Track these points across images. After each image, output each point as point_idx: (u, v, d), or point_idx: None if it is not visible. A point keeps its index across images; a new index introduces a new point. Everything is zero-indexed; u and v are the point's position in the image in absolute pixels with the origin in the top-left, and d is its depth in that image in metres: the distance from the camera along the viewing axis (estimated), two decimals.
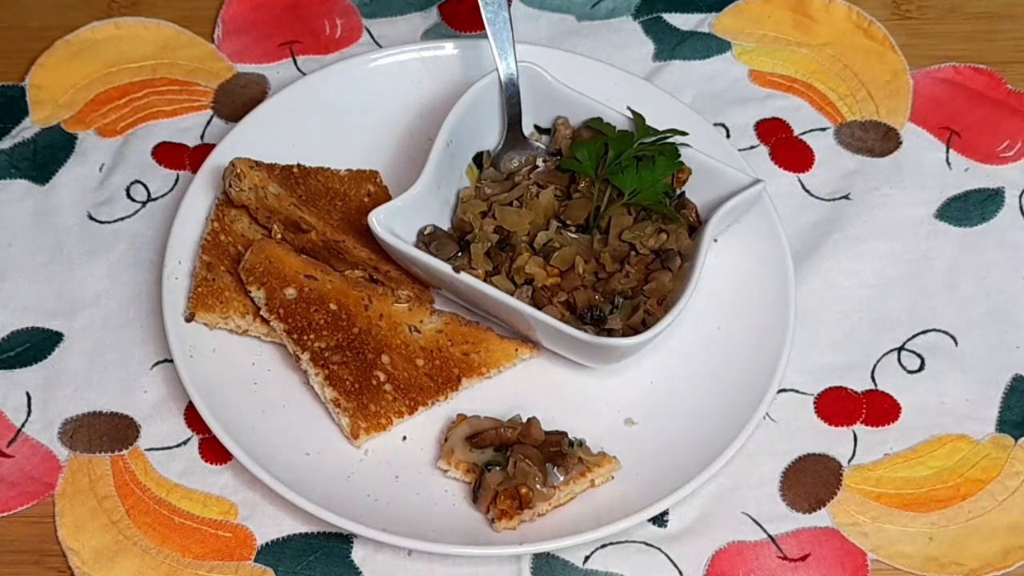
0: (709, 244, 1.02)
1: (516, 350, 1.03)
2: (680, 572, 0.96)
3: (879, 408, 1.03)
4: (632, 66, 1.18)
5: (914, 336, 1.07)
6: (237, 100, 1.18)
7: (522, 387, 1.02)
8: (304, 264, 1.02)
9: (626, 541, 0.97)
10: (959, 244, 1.11)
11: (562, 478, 0.96)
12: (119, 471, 0.99)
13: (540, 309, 0.99)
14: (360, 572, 0.96)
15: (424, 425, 1.00)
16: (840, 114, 1.18)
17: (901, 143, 1.17)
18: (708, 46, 1.22)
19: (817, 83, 1.20)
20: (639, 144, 1.05)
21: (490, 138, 1.10)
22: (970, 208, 1.13)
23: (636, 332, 0.98)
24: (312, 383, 0.99)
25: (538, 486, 0.95)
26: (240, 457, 0.95)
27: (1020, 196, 1.14)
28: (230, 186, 1.05)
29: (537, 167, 1.09)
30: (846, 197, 1.14)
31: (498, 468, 0.95)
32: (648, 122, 1.06)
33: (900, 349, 1.06)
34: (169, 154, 1.14)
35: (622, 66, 1.16)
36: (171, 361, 1.00)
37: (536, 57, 1.10)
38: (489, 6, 1.07)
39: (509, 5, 1.08)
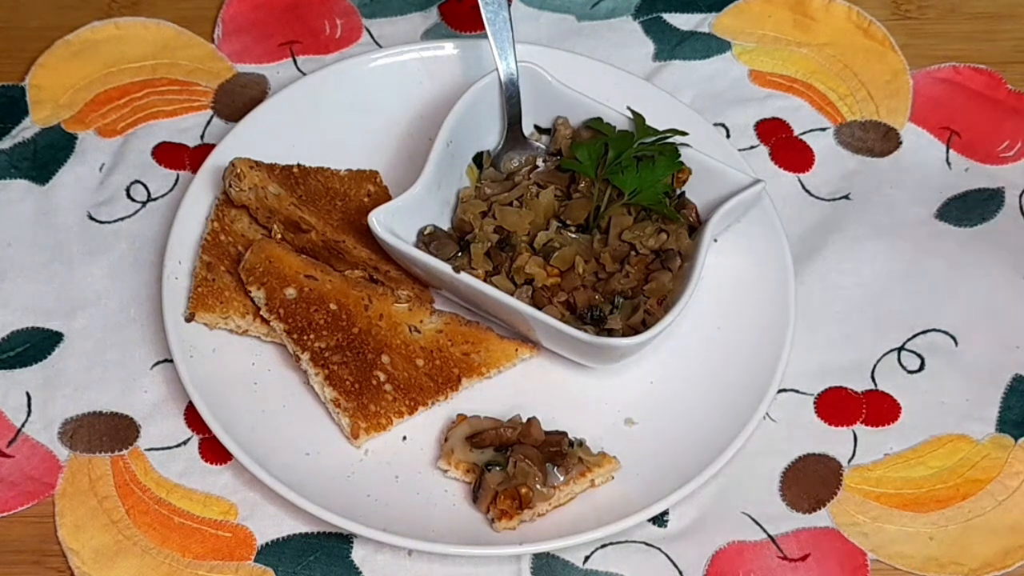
0: (709, 244, 1.02)
1: (516, 350, 1.03)
2: (680, 572, 0.96)
3: (879, 408, 1.03)
4: (632, 66, 1.18)
5: (914, 336, 1.07)
6: (237, 100, 1.18)
7: (522, 387, 1.02)
8: (304, 264, 1.02)
9: (626, 541, 0.97)
10: (959, 244, 1.11)
11: (562, 478, 0.96)
12: (119, 471, 0.99)
13: (540, 309, 0.99)
14: (360, 572, 0.96)
15: (424, 425, 1.00)
16: (840, 114, 1.18)
17: (901, 143, 1.17)
18: (708, 46, 1.22)
19: (817, 83, 1.20)
20: (639, 144, 1.05)
21: (490, 138, 1.10)
22: (970, 208, 1.13)
23: (636, 332, 0.98)
24: (312, 383, 0.99)
25: (538, 486, 0.95)
26: (240, 457, 0.95)
27: (1020, 196, 1.14)
28: (230, 186, 1.05)
29: (537, 167, 1.09)
30: (846, 197, 1.14)
31: (498, 468, 0.95)
32: (648, 122, 1.06)
33: (900, 349, 1.06)
34: (169, 154, 1.14)
35: (622, 66, 1.16)
36: (171, 361, 1.00)
37: (536, 57, 1.10)
38: (489, 6, 1.07)
39: (509, 5, 1.08)
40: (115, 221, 1.11)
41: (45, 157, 1.14)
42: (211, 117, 1.17)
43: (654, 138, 1.05)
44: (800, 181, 1.15)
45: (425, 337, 1.02)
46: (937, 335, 1.07)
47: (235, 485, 0.99)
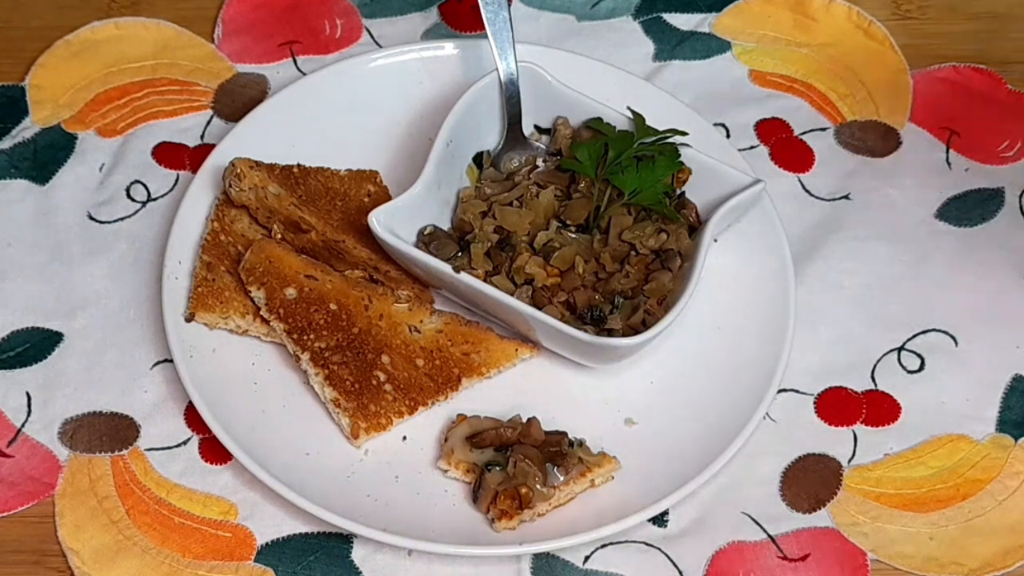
0: (709, 244, 1.02)
1: (516, 350, 1.03)
2: (680, 572, 0.96)
3: (879, 408, 1.03)
4: (632, 66, 1.18)
5: (914, 336, 1.07)
6: (237, 100, 1.18)
7: (522, 387, 1.02)
8: (304, 264, 1.02)
9: (626, 541, 0.97)
10: (959, 244, 1.11)
11: (562, 478, 0.96)
12: (119, 471, 0.99)
13: (540, 309, 0.99)
14: (360, 572, 0.96)
15: (424, 425, 1.00)
16: (840, 114, 1.18)
17: (901, 143, 1.17)
18: (708, 46, 1.22)
19: (817, 83, 1.20)
20: (639, 144, 1.05)
21: (490, 138, 1.10)
22: (970, 208, 1.13)
23: (636, 332, 0.98)
24: (312, 383, 0.99)
25: (538, 486, 0.95)
26: (240, 457, 0.95)
27: (1020, 196, 1.14)
28: (230, 186, 1.05)
29: (537, 167, 1.09)
30: (846, 197, 1.14)
31: (498, 468, 0.95)
32: (648, 122, 1.06)
33: (900, 349, 1.06)
34: (169, 154, 1.14)
35: (622, 66, 1.16)
36: (171, 361, 1.00)
37: (536, 57, 1.10)
38: (489, 6, 1.07)
39: (509, 5, 1.08)
40: (115, 221, 1.11)
41: (45, 157, 1.14)
42: (211, 117, 1.17)
43: (654, 138, 1.05)
44: (800, 181, 1.15)
45: (425, 337, 1.02)
46: (937, 335, 1.07)
47: (235, 485, 0.99)
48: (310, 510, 0.94)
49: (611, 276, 1.02)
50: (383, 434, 0.99)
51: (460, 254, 1.03)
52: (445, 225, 1.06)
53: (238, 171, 1.05)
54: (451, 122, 1.05)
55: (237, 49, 1.21)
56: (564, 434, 0.98)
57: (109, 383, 1.03)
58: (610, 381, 1.03)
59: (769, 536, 0.98)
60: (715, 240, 1.06)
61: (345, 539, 0.97)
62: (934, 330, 1.07)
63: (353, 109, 1.13)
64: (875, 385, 1.04)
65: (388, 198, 1.09)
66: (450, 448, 0.97)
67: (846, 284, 1.09)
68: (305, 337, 0.99)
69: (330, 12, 1.24)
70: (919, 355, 1.06)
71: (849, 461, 1.01)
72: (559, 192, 1.06)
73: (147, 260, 1.08)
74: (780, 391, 1.03)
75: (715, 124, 1.15)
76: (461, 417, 0.99)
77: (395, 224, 1.02)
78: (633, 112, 1.07)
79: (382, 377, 0.99)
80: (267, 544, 0.97)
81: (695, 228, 1.05)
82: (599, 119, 1.07)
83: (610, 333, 0.99)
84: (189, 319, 1.01)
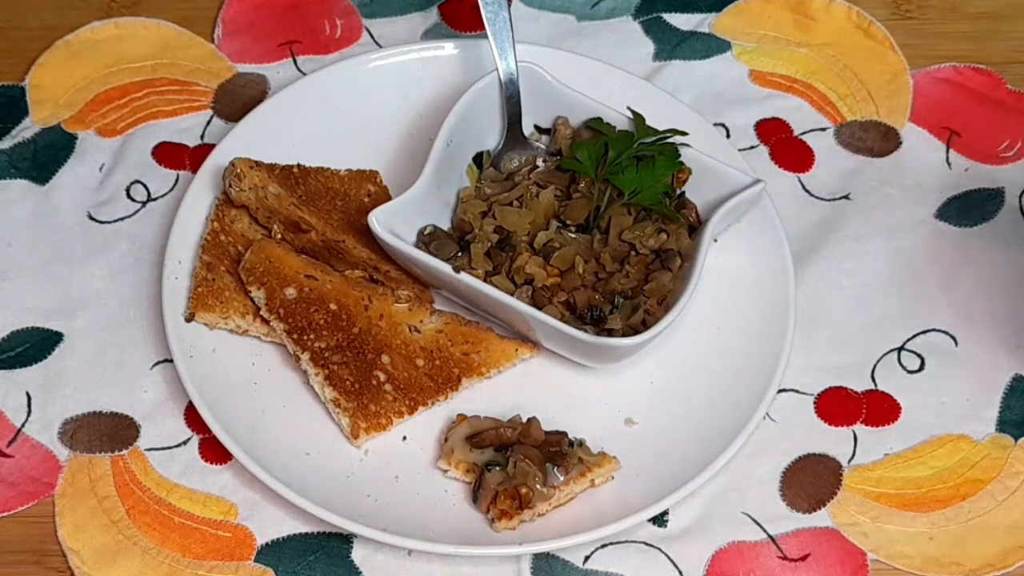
0: (709, 244, 1.02)
1: (516, 350, 1.03)
2: (680, 572, 0.96)
3: (879, 408, 1.03)
4: (632, 66, 1.18)
5: (914, 336, 1.07)
6: (237, 100, 1.17)
7: (522, 387, 1.02)
8: (304, 264, 1.02)
9: (626, 541, 0.97)
10: (959, 244, 1.11)
11: (562, 478, 0.96)
12: (119, 471, 0.99)
13: (540, 309, 0.99)
14: (360, 572, 0.96)
15: (424, 425, 1.00)
16: (840, 114, 1.18)
17: (901, 143, 1.17)
18: (708, 46, 1.22)
19: (817, 83, 1.20)
20: (639, 144, 1.05)
21: (490, 138, 1.10)
22: (970, 208, 1.13)
23: (636, 332, 0.98)
24: (312, 383, 0.99)
25: (538, 486, 0.95)
26: (240, 457, 0.95)
27: (1020, 196, 1.14)
28: (230, 186, 1.05)
29: (537, 167, 1.09)
30: (846, 197, 1.14)
31: (498, 468, 0.95)
32: (648, 122, 1.06)
33: (900, 349, 1.06)
34: (169, 154, 1.14)
35: (622, 66, 1.16)
36: (171, 361, 1.00)
37: (536, 57, 1.10)
38: (489, 6, 1.07)
39: (509, 5, 1.08)
40: (115, 221, 1.11)
41: (45, 157, 1.14)
42: (211, 117, 1.17)
43: (654, 138, 1.05)
44: (800, 181, 1.15)
45: (425, 337, 1.02)
46: (937, 335, 1.07)
47: (235, 485, 0.99)
48: (310, 510, 0.94)
49: (611, 276, 1.02)
50: (383, 434, 0.99)
51: (460, 254, 1.03)
52: (445, 225, 1.06)
53: (238, 171, 1.05)
54: (451, 122, 1.05)
55: (237, 49, 1.21)
56: (564, 434, 0.98)
57: (109, 383, 1.03)
58: (610, 381, 1.03)
59: (769, 536, 0.98)
60: (715, 240, 1.06)
61: (345, 539, 0.97)
62: (934, 330, 1.07)
63: (353, 109, 1.13)
64: (875, 385, 1.04)
65: (388, 198, 1.09)
66: (450, 448, 0.97)
67: (846, 284, 1.09)
68: (305, 337, 0.99)
69: (330, 12, 1.24)
70: (919, 355, 1.06)
71: (849, 461, 1.01)
72: (559, 192, 1.06)
73: (147, 260, 1.08)
74: (780, 391, 1.03)
75: (715, 124, 1.15)
76: (461, 417, 0.99)
77: (395, 224, 1.02)
78: (633, 112, 1.07)
79: (382, 377, 0.99)
80: (267, 544, 0.97)
81: (695, 228, 1.05)
82: (599, 119, 1.07)
83: (610, 333, 0.99)
84: (189, 319, 1.01)
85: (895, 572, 0.97)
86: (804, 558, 0.97)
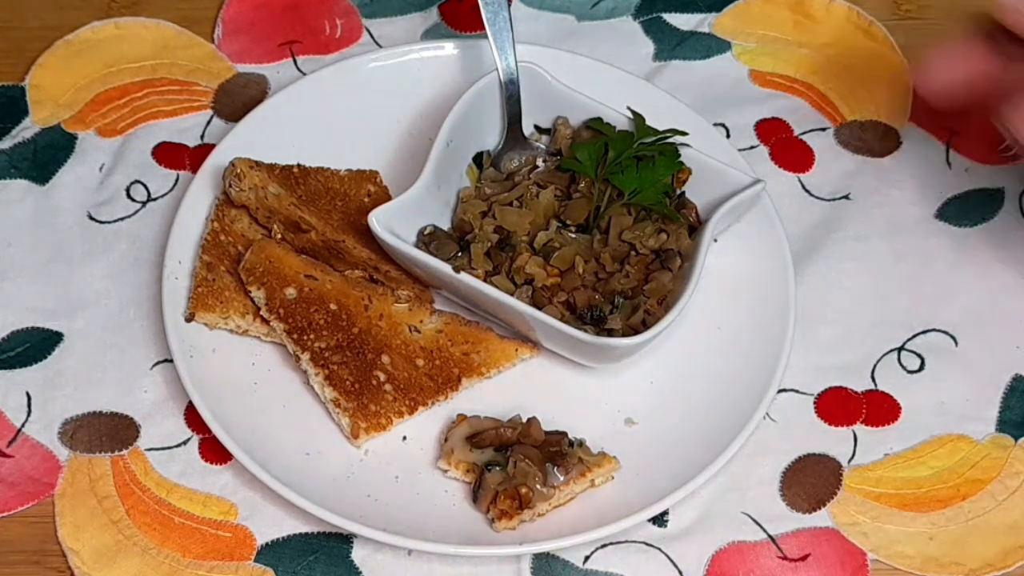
0: (709, 244, 1.02)
1: (516, 350, 1.03)
2: (680, 572, 0.96)
3: (879, 408, 1.03)
4: (632, 66, 1.18)
5: (914, 336, 1.07)
6: (237, 100, 1.18)
7: (522, 387, 1.02)
8: (304, 264, 1.02)
9: (626, 541, 0.97)
10: (959, 244, 1.11)
11: (562, 478, 0.96)
12: (119, 471, 0.99)
13: (540, 309, 0.99)
14: (360, 572, 0.96)
15: (424, 425, 1.00)
16: (840, 114, 1.18)
17: (901, 143, 1.17)
18: (708, 46, 1.22)
19: (817, 83, 1.20)
20: (639, 144, 1.05)
21: (490, 138, 1.10)
22: (970, 208, 1.13)
23: (636, 332, 0.98)
24: (312, 383, 0.99)
25: (538, 486, 0.95)
26: (240, 457, 0.95)
27: (1020, 196, 1.14)
28: (230, 186, 1.05)
29: (537, 167, 1.09)
30: (846, 197, 1.14)
31: (498, 468, 0.95)
32: (648, 122, 1.06)
33: (900, 349, 1.06)
34: (169, 154, 1.14)
35: (622, 66, 1.16)
36: (171, 361, 1.00)
37: (536, 57, 1.10)
38: (489, 6, 1.07)
39: (509, 5, 1.08)
40: (115, 221, 1.11)
41: (45, 157, 1.14)
42: (211, 117, 1.17)
43: (654, 138, 1.05)
44: (800, 181, 1.15)
45: (425, 337, 1.02)
46: (937, 335, 1.07)
47: (235, 485, 0.99)
48: (310, 510, 0.94)
49: (611, 276, 1.02)
50: (383, 434, 0.99)
51: (460, 254, 1.03)
52: (445, 225, 1.06)
53: (238, 171, 1.05)
54: (451, 122, 1.05)
55: (237, 49, 1.21)
56: (564, 434, 0.98)
57: (109, 383, 1.03)
58: (610, 381, 1.03)
59: (769, 536, 0.98)
60: (715, 240, 1.06)
61: (345, 539, 0.97)
62: (934, 330, 1.07)
63: (353, 109, 1.13)
64: (875, 385, 1.04)
65: (388, 198, 1.09)
66: (450, 448, 0.97)
67: (846, 284, 1.09)
68: (305, 337, 0.99)
69: (330, 12, 1.24)
70: (919, 355, 1.06)
71: (849, 461, 1.01)
72: (559, 192, 1.06)
73: (147, 260, 1.08)
74: (780, 391, 1.03)
75: (715, 124, 1.15)
76: (461, 417, 0.99)
77: (395, 224, 1.02)
78: (633, 112, 1.07)
79: (382, 377, 0.99)
80: (267, 544, 0.97)
81: (695, 228, 1.05)
82: (599, 119, 1.07)
83: (610, 333, 0.99)
84: (189, 319, 1.01)
85: (895, 572, 0.97)
86: (804, 558, 0.97)
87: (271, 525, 0.97)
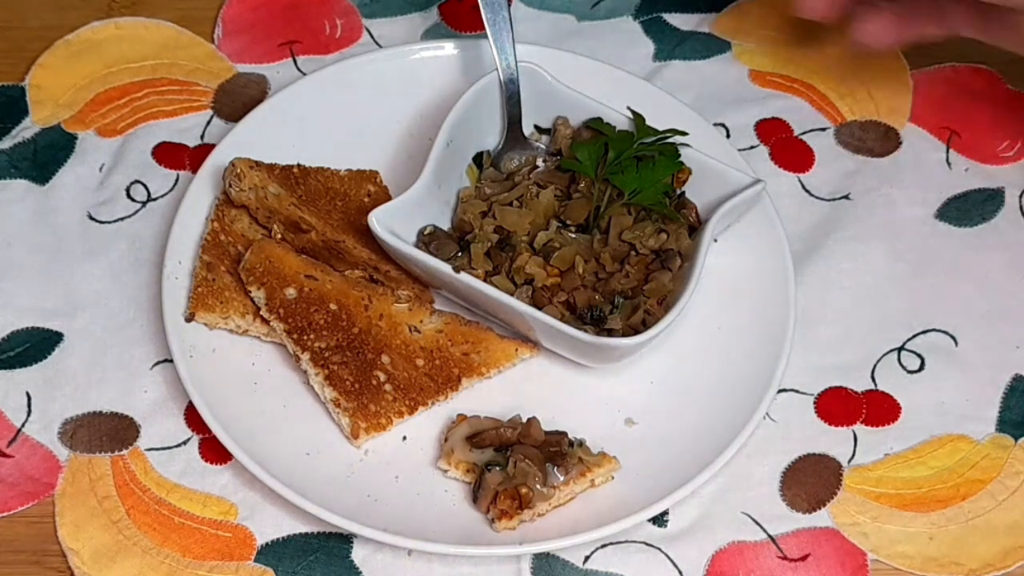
0: (709, 244, 1.02)
1: (516, 350, 1.03)
2: (680, 572, 0.96)
3: (879, 408, 1.03)
4: (632, 66, 1.18)
5: (914, 336, 1.07)
6: (237, 100, 1.18)
7: (522, 387, 1.02)
8: (304, 264, 1.02)
9: (626, 541, 0.97)
10: (959, 244, 1.11)
11: (562, 478, 0.96)
12: (119, 471, 0.99)
13: (540, 309, 0.99)
14: (360, 572, 0.96)
15: (424, 425, 1.00)
16: (840, 114, 1.18)
17: (901, 143, 1.17)
18: (708, 46, 1.22)
19: (817, 83, 1.20)
20: (639, 144, 1.05)
21: (490, 138, 1.10)
22: (970, 208, 1.13)
23: (636, 332, 0.98)
24: (312, 383, 0.99)
25: (538, 486, 0.95)
26: (240, 457, 0.95)
27: (1020, 196, 1.14)
28: (230, 186, 1.05)
29: (537, 167, 1.09)
30: (846, 197, 1.14)
31: (498, 468, 0.95)
32: (648, 122, 1.06)
33: (900, 349, 1.06)
34: (169, 154, 1.14)
35: (622, 66, 1.16)
36: (171, 361, 1.00)
37: (536, 57, 1.10)
38: (489, 6, 1.07)
39: (509, 5, 1.08)
40: (115, 221, 1.11)
41: (45, 157, 1.14)
42: (211, 117, 1.17)
43: (654, 138, 1.05)
44: (800, 181, 1.15)
45: (425, 337, 1.02)
46: (937, 335, 1.07)
47: (235, 485, 0.99)
48: (310, 510, 0.94)
49: (611, 276, 1.02)
50: (383, 434, 0.99)
51: (460, 254, 1.03)
52: (445, 225, 1.06)
53: (238, 171, 1.05)
54: (451, 122, 1.05)
55: (237, 49, 1.21)
56: (564, 434, 0.98)
57: (109, 383, 1.03)
58: (610, 381, 1.03)
59: (769, 536, 0.98)
60: (715, 240, 1.06)
61: (345, 539, 0.97)
62: (934, 330, 1.07)
63: (353, 109, 1.13)
64: (875, 385, 1.04)
65: (388, 198, 1.09)
66: (450, 448, 0.97)
67: (846, 284, 1.09)
68: (305, 337, 0.99)
69: (330, 12, 1.24)
70: (919, 355, 1.06)
71: (849, 461, 1.01)
72: (559, 192, 1.06)
73: (147, 260, 1.08)
74: (780, 391, 1.03)
75: (715, 124, 1.15)
76: (461, 417, 0.99)
77: (395, 224, 1.02)
78: (633, 112, 1.07)
79: (382, 377, 0.99)
80: (267, 544, 0.97)
81: (695, 228, 1.05)
82: (599, 119, 1.07)
83: (610, 333, 0.99)
84: (189, 319, 1.01)
85: (895, 572, 0.97)
86: (804, 558, 0.97)
87: (271, 525, 0.97)
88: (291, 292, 1.01)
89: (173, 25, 1.22)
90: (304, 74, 1.18)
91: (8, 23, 1.22)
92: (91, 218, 1.11)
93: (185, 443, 1.00)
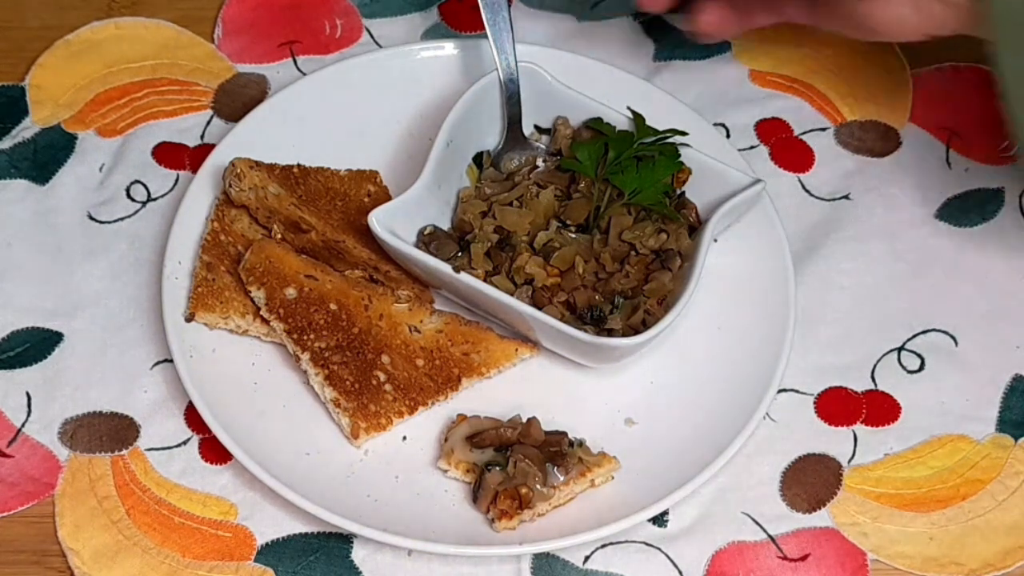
0: (709, 244, 1.02)
1: (516, 350, 1.03)
2: (680, 572, 0.96)
3: (879, 408, 1.03)
4: (632, 66, 1.18)
5: (914, 336, 1.07)
6: (237, 100, 1.17)
7: (522, 387, 1.02)
8: (304, 264, 1.02)
9: (626, 541, 0.97)
10: (959, 244, 1.11)
11: (562, 478, 0.96)
12: (119, 471, 0.99)
13: (540, 309, 0.99)
14: (360, 572, 0.96)
15: (424, 425, 1.00)
16: (840, 114, 1.18)
17: (901, 143, 1.17)
18: (708, 46, 1.22)
19: (817, 83, 1.20)
20: (639, 144, 1.05)
21: (490, 138, 1.10)
22: (970, 208, 1.13)
23: (636, 332, 0.98)
24: (312, 383, 0.99)
25: (538, 486, 0.95)
26: (240, 457, 0.95)
27: (1020, 196, 1.14)
28: (230, 186, 1.05)
29: (537, 167, 1.09)
30: (846, 197, 1.14)
31: (498, 468, 0.95)
32: (648, 122, 1.06)
33: (900, 349, 1.06)
34: (169, 154, 1.14)
35: (622, 66, 1.16)
36: (171, 361, 1.00)
37: (536, 57, 1.10)
38: (489, 6, 1.07)
39: (509, 5, 1.08)
40: (115, 221, 1.11)
41: (45, 157, 1.14)
42: (211, 117, 1.17)
43: (654, 138, 1.05)
44: (800, 181, 1.15)
45: (425, 337, 1.02)
46: (937, 335, 1.07)
47: (235, 485, 0.99)
48: (310, 510, 0.94)
49: (611, 276, 1.02)
50: (383, 434, 0.99)
51: (460, 254, 1.03)
52: (445, 225, 1.06)
53: (238, 171, 1.05)
54: (451, 122, 1.05)
55: (237, 49, 1.21)
56: (564, 434, 0.98)
57: (109, 383, 1.03)
58: (610, 381, 1.03)
59: (769, 536, 0.98)
60: (715, 240, 1.06)
61: (345, 539, 0.97)
62: (934, 330, 1.07)
63: (353, 109, 1.13)
64: (875, 385, 1.04)
65: (388, 198, 1.09)
66: (450, 448, 0.97)
67: (846, 284, 1.09)
68: (305, 337, 0.99)
69: (330, 12, 1.24)
70: (919, 355, 1.06)
71: (849, 461, 1.01)
72: (559, 192, 1.06)
73: (147, 260, 1.08)
74: (780, 391, 1.03)
75: (715, 124, 1.15)
76: (461, 417, 0.99)
77: (395, 224, 1.02)
78: (633, 112, 1.07)
79: (382, 377, 0.99)
80: (267, 544, 0.97)
81: (695, 228, 1.05)
82: (599, 119, 1.07)
83: (610, 333, 0.99)
84: (189, 319, 1.01)
85: (895, 572, 0.97)
86: (804, 558, 0.97)
87: (271, 525, 0.97)
88: (291, 292, 1.01)
89: (173, 25, 1.22)
90: (304, 74, 1.18)
91: (8, 23, 1.22)
92: (91, 218, 1.11)
93: (185, 443, 1.00)
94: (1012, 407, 1.03)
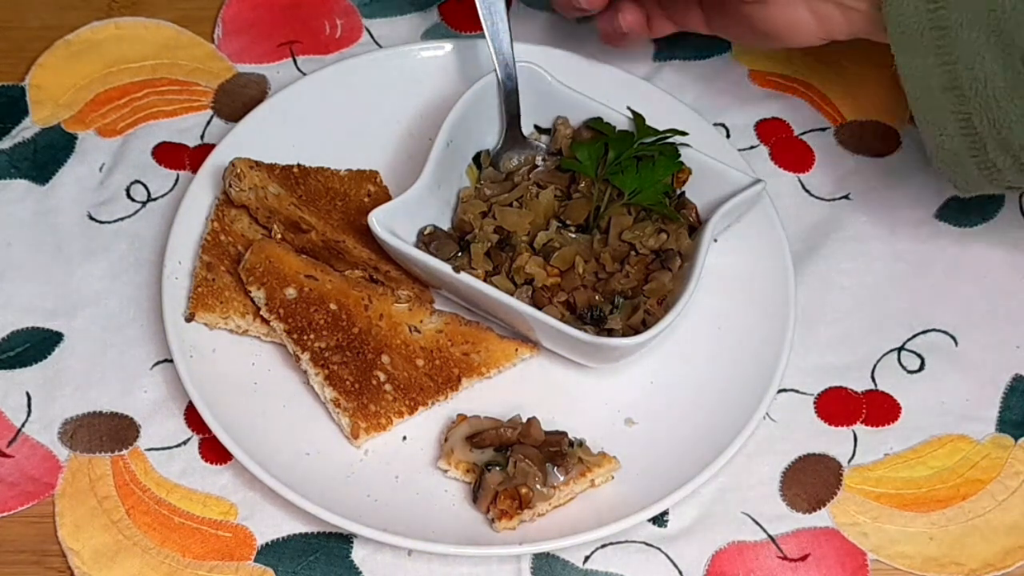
0: (709, 244, 1.02)
1: (516, 350, 1.03)
2: (680, 572, 0.96)
3: (879, 408, 1.03)
4: (632, 66, 1.18)
5: (914, 336, 1.07)
6: (237, 100, 1.17)
7: (522, 387, 1.02)
8: (304, 264, 1.02)
9: (626, 541, 0.97)
10: (959, 244, 1.11)
11: (562, 478, 0.96)
12: (119, 471, 0.99)
13: (540, 309, 0.99)
14: (360, 572, 0.96)
15: (424, 425, 1.00)
16: (840, 114, 1.18)
17: (901, 143, 1.17)
18: (708, 46, 1.22)
19: (817, 83, 1.20)
20: (639, 144, 1.05)
21: (490, 138, 1.10)
22: (970, 208, 1.13)
23: (636, 332, 0.98)
24: (312, 383, 0.99)
25: (538, 486, 0.95)
26: (240, 457, 0.95)
27: (1020, 196, 1.14)
28: (230, 186, 1.05)
29: (537, 167, 1.09)
30: (846, 197, 1.14)
31: (498, 468, 0.95)
32: (648, 122, 1.06)
33: (900, 349, 1.06)
34: (169, 154, 1.14)
35: (622, 66, 1.16)
36: (171, 361, 1.00)
37: (536, 57, 1.10)
38: (486, 5, 1.07)
39: (509, 5, 1.08)
40: (115, 221, 1.11)
41: (45, 157, 1.14)
42: (211, 117, 1.17)
43: (654, 138, 1.05)
44: (800, 181, 1.15)
45: (425, 337, 1.02)
46: (937, 335, 1.07)
47: (235, 485, 0.99)
48: (310, 510, 0.94)
49: (611, 276, 1.02)
50: (383, 434, 0.99)
51: (460, 254, 1.03)
52: (445, 225, 1.06)
53: (238, 171, 1.05)
54: (451, 122, 1.05)
55: (237, 49, 1.21)
56: (564, 434, 0.98)
57: (109, 383, 1.03)
58: (610, 381, 1.03)
59: (769, 536, 0.98)
60: (715, 240, 1.06)
61: (345, 539, 0.97)
62: (934, 330, 1.07)
63: (353, 109, 1.13)
64: (875, 385, 1.04)
65: (388, 198, 1.09)
66: (450, 448, 0.97)
67: (846, 284, 1.09)
68: (305, 337, 0.99)
69: (330, 12, 1.24)
70: (919, 355, 1.06)
71: (849, 461, 1.01)
72: (559, 192, 1.06)
73: (147, 260, 1.08)
74: (780, 391, 1.03)
75: (715, 124, 1.15)
76: (461, 417, 0.99)
77: (395, 224, 1.02)
78: (633, 112, 1.07)
79: (382, 377, 0.99)
80: (267, 544, 0.97)
81: (695, 228, 1.05)
82: (599, 119, 1.07)
83: (610, 333, 0.99)
84: (189, 319, 1.01)
85: (895, 572, 0.97)
86: (804, 558, 0.97)
87: (271, 525, 0.97)
88: (291, 292, 1.01)
89: (173, 25, 1.22)
90: (304, 74, 1.18)
91: (8, 23, 1.22)
92: (91, 218, 1.11)
93: (185, 443, 1.00)
94: (1012, 407, 1.03)
